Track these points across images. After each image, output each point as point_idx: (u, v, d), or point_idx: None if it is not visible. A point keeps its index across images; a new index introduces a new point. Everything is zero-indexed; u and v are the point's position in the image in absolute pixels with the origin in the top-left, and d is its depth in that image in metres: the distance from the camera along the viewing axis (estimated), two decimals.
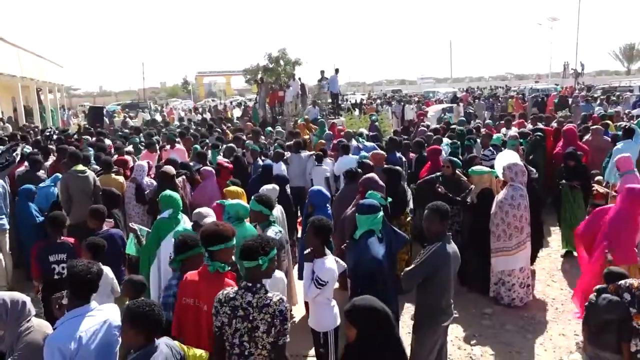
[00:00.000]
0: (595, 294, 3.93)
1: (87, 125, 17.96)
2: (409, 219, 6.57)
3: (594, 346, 3.94)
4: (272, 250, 3.14)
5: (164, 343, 2.83)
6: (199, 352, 3.06)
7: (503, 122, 13.12)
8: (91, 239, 4.33)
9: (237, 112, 27.41)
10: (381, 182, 5.41)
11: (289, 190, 7.09)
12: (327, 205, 5.82)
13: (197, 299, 3.31)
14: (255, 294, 3.00)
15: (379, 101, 31.19)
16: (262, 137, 12.11)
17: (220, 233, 3.38)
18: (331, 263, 3.96)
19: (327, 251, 4.05)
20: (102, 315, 2.99)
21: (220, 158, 8.86)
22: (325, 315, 4.02)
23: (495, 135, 9.75)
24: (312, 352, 5.24)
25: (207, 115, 26.49)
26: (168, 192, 5.32)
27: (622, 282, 3.80)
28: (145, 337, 2.71)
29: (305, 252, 4.09)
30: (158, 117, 26.42)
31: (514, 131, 10.52)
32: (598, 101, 20.87)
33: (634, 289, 3.66)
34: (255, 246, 3.08)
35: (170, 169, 6.87)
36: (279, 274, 3.98)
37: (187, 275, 3.44)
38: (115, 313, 3.09)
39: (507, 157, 6.59)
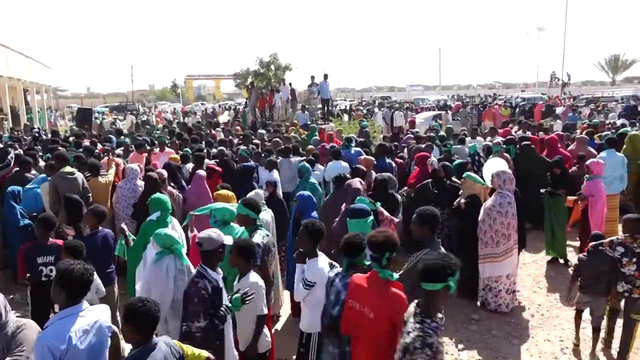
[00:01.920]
0: (588, 251, 5.08)
1: (74, 127, 17.82)
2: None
3: (590, 295, 5.03)
4: (458, 269, 2.84)
5: (163, 341, 2.86)
6: (197, 351, 3.06)
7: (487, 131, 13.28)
8: (71, 242, 4.37)
9: (225, 117, 27.33)
10: (357, 186, 5.47)
11: (281, 195, 7.13)
12: (314, 210, 5.86)
13: (363, 305, 3.24)
14: (422, 323, 2.74)
15: (368, 107, 31.37)
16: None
17: (392, 241, 3.32)
18: (323, 263, 3.99)
19: (320, 252, 4.09)
20: (93, 315, 2.98)
21: (209, 162, 8.86)
22: (313, 316, 4.01)
23: (470, 144, 9.91)
24: None
25: (196, 119, 26.40)
26: (158, 195, 5.42)
27: (614, 238, 5.03)
28: (142, 334, 2.75)
29: (295, 253, 4.13)
30: (152, 118, 26.43)
31: (497, 138, 10.66)
32: (587, 110, 21.19)
33: (627, 243, 4.87)
34: (442, 265, 2.76)
35: (154, 173, 6.86)
36: (253, 277, 3.99)
37: (355, 279, 3.39)
38: (106, 313, 3.10)
39: (495, 165, 6.68)
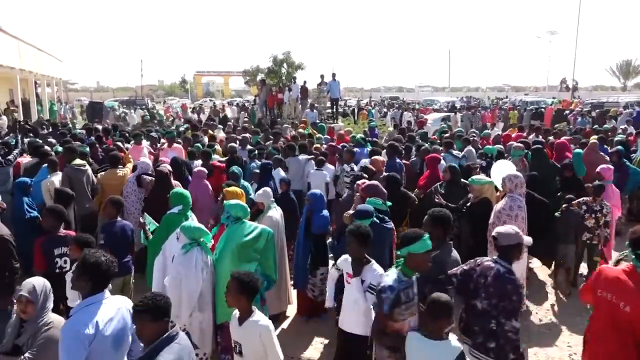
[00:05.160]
0: (562, 210, 6.68)
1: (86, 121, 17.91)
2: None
3: (564, 243, 6.71)
4: None
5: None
6: None
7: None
8: (81, 236, 4.39)
9: (228, 112, 27.38)
10: (383, 189, 5.46)
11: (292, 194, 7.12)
12: (324, 209, 5.88)
13: (616, 297, 3.25)
14: None
15: (378, 107, 31.38)
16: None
17: None
18: (380, 268, 3.93)
19: (368, 257, 4.01)
20: (116, 303, 3.09)
21: (216, 158, 8.92)
22: (371, 318, 3.98)
23: (486, 147, 9.85)
24: (307, 354, 5.29)
25: (204, 115, 26.48)
26: (179, 189, 5.61)
27: (581, 199, 6.63)
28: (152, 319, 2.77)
29: (339, 262, 4.08)
30: (161, 113, 26.65)
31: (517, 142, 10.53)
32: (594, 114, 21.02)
33: (589, 203, 6.56)
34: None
35: (164, 168, 6.96)
36: (260, 318, 3.38)
37: (606, 270, 3.41)
38: (127, 302, 3.20)
39: (505, 168, 6.62)
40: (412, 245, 3.46)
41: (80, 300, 3.03)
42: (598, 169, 7.18)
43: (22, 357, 3.10)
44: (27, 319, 3.22)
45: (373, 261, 3.98)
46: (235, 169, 7.17)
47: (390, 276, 3.50)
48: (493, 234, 3.85)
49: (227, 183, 6.60)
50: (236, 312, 3.42)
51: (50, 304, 3.30)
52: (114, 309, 3.01)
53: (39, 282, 3.30)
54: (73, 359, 2.78)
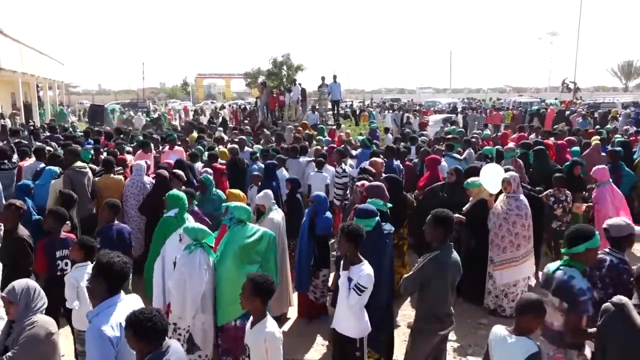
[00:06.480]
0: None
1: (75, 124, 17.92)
2: (406, 233, 6.57)
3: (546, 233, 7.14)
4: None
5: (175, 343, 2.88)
6: None
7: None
8: (84, 239, 4.37)
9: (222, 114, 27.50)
10: (386, 191, 5.46)
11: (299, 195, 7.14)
12: (328, 211, 5.89)
13: None
14: None
15: (379, 109, 31.39)
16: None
17: None
18: (369, 269, 3.90)
19: (361, 257, 3.98)
20: (132, 303, 3.14)
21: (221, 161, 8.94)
22: (363, 321, 4.01)
23: (485, 147, 9.86)
24: (308, 356, 5.29)
25: (206, 117, 26.55)
26: (175, 191, 5.51)
27: (548, 191, 7.28)
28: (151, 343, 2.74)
29: (341, 261, 4.03)
30: (166, 115, 26.81)
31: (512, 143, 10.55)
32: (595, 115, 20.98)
33: (556, 194, 7.25)
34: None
35: (164, 171, 6.98)
36: (271, 325, 3.30)
37: None
38: (140, 302, 3.25)
39: (492, 170, 6.59)
40: (591, 241, 3.50)
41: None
42: (591, 172, 7.22)
43: (3, 356, 3.10)
44: (12, 319, 3.23)
45: (365, 262, 3.95)
46: (204, 177, 7.06)
47: (576, 277, 3.43)
48: (604, 226, 3.92)
49: (185, 190, 6.51)
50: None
51: (40, 305, 3.28)
52: (132, 309, 3.02)
53: (20, 283, 3.29)
54: (105, 357, 2.84)
